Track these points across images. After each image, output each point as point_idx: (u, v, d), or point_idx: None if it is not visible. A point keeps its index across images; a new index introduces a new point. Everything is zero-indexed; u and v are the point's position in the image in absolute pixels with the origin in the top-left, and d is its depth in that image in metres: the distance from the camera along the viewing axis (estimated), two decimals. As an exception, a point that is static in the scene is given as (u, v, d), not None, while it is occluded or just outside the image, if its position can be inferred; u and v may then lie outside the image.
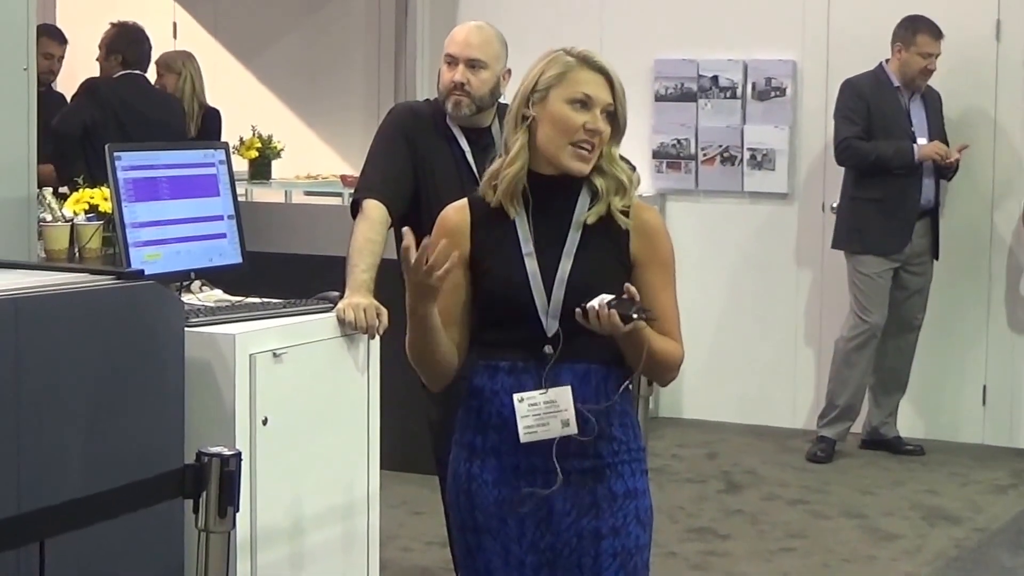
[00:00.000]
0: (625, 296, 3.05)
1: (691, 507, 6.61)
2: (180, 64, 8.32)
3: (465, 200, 3.29)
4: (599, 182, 3.21)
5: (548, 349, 3.16)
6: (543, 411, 3.14)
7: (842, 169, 7.51)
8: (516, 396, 3.15)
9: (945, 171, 7.41)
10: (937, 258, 7.51)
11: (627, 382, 3.20)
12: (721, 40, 8.15)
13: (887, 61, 7.43)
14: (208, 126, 8.23)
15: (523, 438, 3.15)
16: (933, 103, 7.49)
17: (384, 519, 4.66)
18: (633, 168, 3.34)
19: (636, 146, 7.82)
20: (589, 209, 3.21)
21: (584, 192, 3.22)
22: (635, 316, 3.02)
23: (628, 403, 3.26)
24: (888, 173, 7.29)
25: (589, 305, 3.04)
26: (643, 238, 3.23)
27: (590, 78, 3.20)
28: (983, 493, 6.90)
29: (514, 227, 3.21)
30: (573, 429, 3.14)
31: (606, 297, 3.05)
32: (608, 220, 3.21)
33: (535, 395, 3.14)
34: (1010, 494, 6.90)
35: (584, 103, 3.17)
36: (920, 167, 7.31)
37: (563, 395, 3.14)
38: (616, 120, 3.21)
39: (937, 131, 7.45)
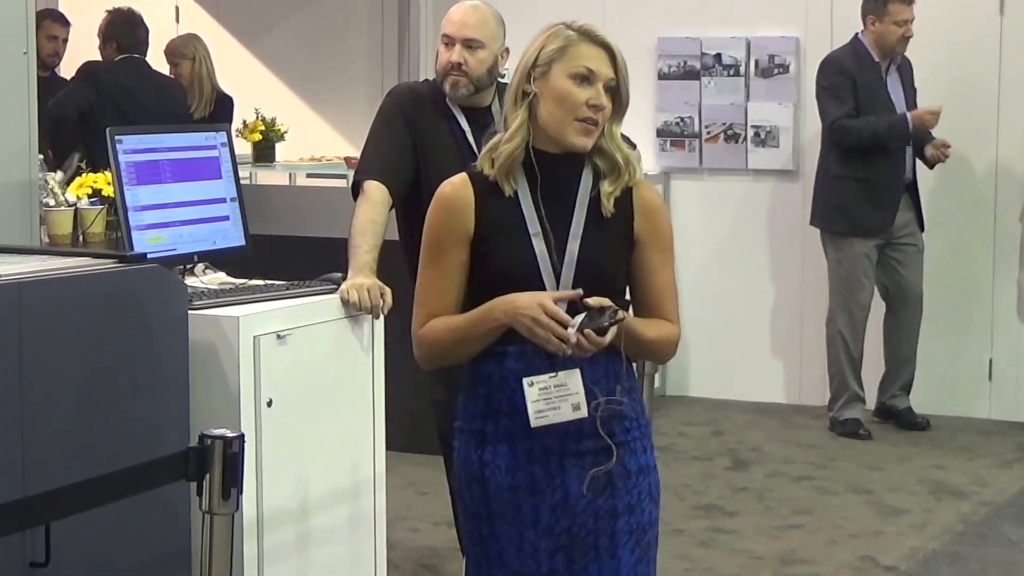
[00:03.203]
0: (594, 308, 3.03)
1: (698, 484, 6.62)
2: (192, 48, 8.27)
3: (464, 175, 3.22)
4: (600, 162, 3.17)
5: None
6: (553, 395, 3.10)
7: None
8: (526, 380, 3.10)
9: (929, 162, 7.37)
10: (923, 229, 7.47)
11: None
12: (724, 18, 8.14)
13: (862, 33, 7.38)
14: (219, 111, 8.18)
15: (534, 423, 3.10)
16: (907, 73, 7.43)
17: (391, 500, 4.66)
18: (633, 146, 3.33)
19: (640, 125, 7.82)
20: (592, 188, 3.17)
21: (587, 171, 3.19)
22: (607, 324, 3.02)
23: (634, 380, 3.25)
24: (879, 150, 7.23)
25: (572, 342, 3.02)
26: (646, 217, 3.20)
27: (592, 52, 3.13)
28: (989, 467, 6.90)
29: (517, 205, 3.16)
30: (584, 412, 3.11)
31: (577, 319, 3.03)
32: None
33: (545, 379, 3.10)
34: (1016, 468, 6.90)
35: (586, 78, 3.12)
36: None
37: (573, 378, 3.11)
38: (619, 96, 3.16)
39: (911, 102, 7.39)
